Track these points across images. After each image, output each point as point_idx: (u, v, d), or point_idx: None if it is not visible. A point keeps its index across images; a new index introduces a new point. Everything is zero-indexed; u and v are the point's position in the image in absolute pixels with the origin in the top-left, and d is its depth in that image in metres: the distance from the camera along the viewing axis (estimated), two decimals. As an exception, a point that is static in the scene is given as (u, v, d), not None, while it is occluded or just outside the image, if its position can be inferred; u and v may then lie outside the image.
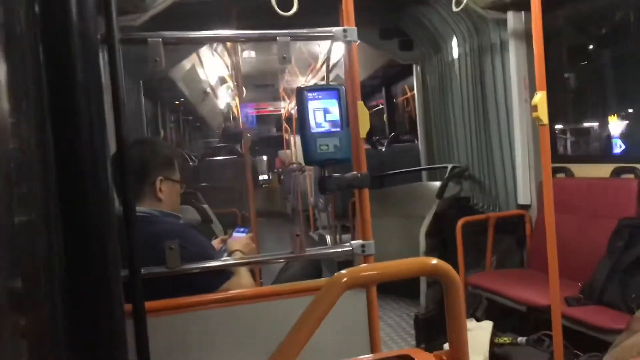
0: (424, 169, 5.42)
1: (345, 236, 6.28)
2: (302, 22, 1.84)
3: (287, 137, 10.77)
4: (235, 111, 11.87)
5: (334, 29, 1.84)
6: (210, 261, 1.82)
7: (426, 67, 5.34)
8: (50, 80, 0.70)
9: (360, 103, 1.93)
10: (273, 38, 1.79)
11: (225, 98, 10.69)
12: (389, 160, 6.52)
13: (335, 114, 1.83)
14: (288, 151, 11.86)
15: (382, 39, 5.27)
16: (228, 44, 6.45)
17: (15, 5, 1.13)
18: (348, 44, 1.86)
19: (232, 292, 1.82)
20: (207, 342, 1.69)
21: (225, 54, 8.28)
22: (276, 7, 1.90)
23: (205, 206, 4.36)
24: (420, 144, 5.69)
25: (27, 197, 1.19)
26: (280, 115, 12.82)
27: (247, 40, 7.92)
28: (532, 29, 2.60)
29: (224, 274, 1.90)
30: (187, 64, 7.43)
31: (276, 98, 12.48)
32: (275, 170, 12.45)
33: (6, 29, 1.17)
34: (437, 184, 4.70)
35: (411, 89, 9.42)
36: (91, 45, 0.69)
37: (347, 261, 1.85)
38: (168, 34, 1.71)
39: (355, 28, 1.84)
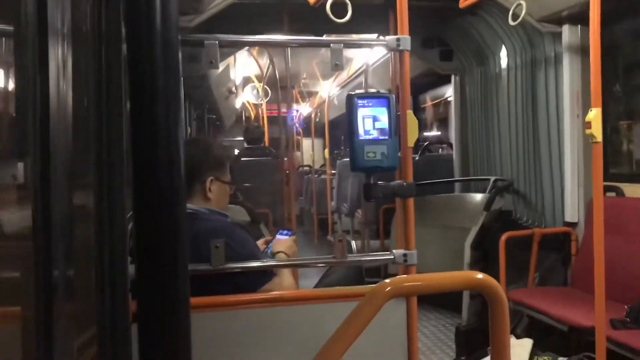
0: (466, 180, 5.34)
1: (374, 242, 6.22)
2: (348, 27, 1.85)
3: (297, 139, 10.85)
4: (258, 111, 11.90)
5: (387, 37, 1.84)
6: (253, 261, 1.85)
7: (466, 77, 5.29)
8: (131, 83, 0.73)
9: (410, 112, 1.92)
10: (327, 45, 1.80)
11: (249, 98, 10.72)
12: (422, 170, 6.46)
13: (384, 121, 1.83)
14: (298, 153, 11.85)
15: (423, 48, 5.26)
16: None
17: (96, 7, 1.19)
18: (401, 53, 1.86)
19: (274, 293, 1.84)
20: (247, 341, 1.71)
21: (261, 55, 8.33)
22: (330, 14, 1.91)
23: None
24: (455, 154, 5.64)
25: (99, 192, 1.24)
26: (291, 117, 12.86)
27: (300, 45, 8.00)
28: (590, 43, 2.55)
29: (266, 275, 1.92)
30: (223, 63, 7.53)
31: (293, 100, 12.38)
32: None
33: (86, 30, 1.23)
34: (478, 195, 4.65)
35: (432, 99, 9.33)
36: (172, 50, 0.72)
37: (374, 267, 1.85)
38: (224, 37, 1.75)
39: (408, 37, 1.84)
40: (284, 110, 6.36)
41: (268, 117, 9.80)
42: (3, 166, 1.12)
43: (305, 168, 11.13)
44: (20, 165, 1.13)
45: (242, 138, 7.83)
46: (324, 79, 10.61)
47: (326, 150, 9.34)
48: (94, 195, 1.22)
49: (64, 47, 1.08)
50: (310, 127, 12.41)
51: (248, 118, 13.19)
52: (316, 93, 11.95)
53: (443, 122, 9.15)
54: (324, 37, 1.81)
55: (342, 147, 13.21)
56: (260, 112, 11.42)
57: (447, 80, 7.08)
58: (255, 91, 9.88)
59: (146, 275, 0.78)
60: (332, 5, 2.20)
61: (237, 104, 12.17)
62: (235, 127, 13.21)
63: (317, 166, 11.06)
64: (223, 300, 1.71)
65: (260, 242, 2.25)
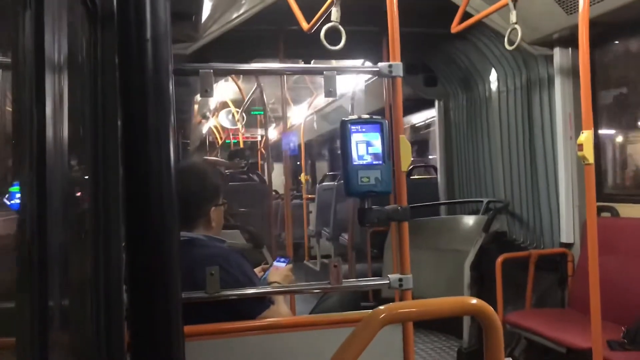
0: (459, 202, 5.35)
1: (359, 266, 6.18)
2: (340, 53, 1.88)
3: (261, 163, 10.80)
4: (229, 135, 11.85)
5: (380, 64, 1.87)
6: (249, 288, 1.85)
7: (451, 102, 5.35)
8: (123, 112, 0.75)
9: (403, 137, 1.94)
10: (320, 72, 1.83)
11: (224, 122, 10.72)
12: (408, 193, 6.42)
13: (377, 147, 1.85)
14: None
15: (407, 74, 5.33)
16: None
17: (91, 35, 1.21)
18: (393, 79, 1.89)
19: (270, 320, 1.83)
20: (244, 369, 1.70)
21: (246, 79, 8.36)
22: (325, 42, 1.94)
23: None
24: (440, 177, 5.69)
25: (91, 219, 1.24)
26: (256, 142, 12.75)
27: (294, 73, 8.04)
28: (580, 66, 2.58)
29: (264, 302, 1.92)
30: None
31: (260, 125, 12.31)
32: None
33: (82, 61, 1.25)
34: (471, 217, 4.67)
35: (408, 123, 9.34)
36: (164, 87, 0.74)
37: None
38: (218, 65, 1.78)
39: (400, 64, 1.87)
40: (255, 135, 6.41)
41: (244, 142, 9.82)
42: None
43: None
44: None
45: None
46: (295, 104, 10.65)
47: (302, 174, 9.29)
48: (89, 224, 1.22)
49: (60, 79, 1.09)
50: (277, 152, 12.30)
51: (212, 143, 13.15)
52: (285, 118, 11.88)
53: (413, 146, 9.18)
54: (318, 65, 1.83)
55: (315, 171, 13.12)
56: (229, 137, 11.43)
57: (416, 108, 7.18)
58: (230, 116, 9.90)
59: (139, 305, 0.78)
60: (326, 33, 2.24)
61: (205, 128, 12.20)
62: (196, 152, 13.14)
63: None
64: (219, 328, 1.71)
65: (257, 269, 2.25)
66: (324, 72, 1.80)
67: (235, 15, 3.54)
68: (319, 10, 2.59)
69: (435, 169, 6.57)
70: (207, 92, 1.71)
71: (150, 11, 0.70)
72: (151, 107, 0.72)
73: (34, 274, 0.99)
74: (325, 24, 2.31)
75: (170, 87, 0.76)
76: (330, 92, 1.84)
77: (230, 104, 9.66)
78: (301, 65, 5.05)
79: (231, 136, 11.68)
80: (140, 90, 0.71)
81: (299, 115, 10.23)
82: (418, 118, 8.61)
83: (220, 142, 12.47)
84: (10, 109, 1.18)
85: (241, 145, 10.62)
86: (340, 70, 1.84)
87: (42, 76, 1.00)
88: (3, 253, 1.12)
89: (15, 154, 1.10)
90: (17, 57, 1.06)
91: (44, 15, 1.00)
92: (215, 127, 11.84)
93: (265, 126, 6.83)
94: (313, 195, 8.53)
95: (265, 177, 7.49)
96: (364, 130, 1.85)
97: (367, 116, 1.90)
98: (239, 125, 9.61)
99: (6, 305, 1.10)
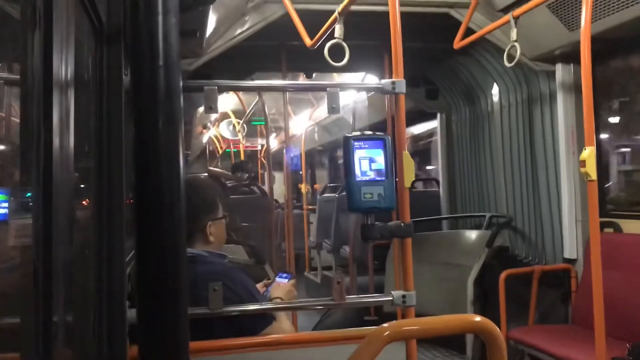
0: (462, 217, 5.34)
1: (360, 278, 6.15)
2: (342, 67, 1.89)
3: (261, 173, 10.81)
4: (230, 145, 11.90)
5: (383, 81, 1.88)
6: (252, 304, 1.85)
7: (453, 115, 5.36)
8: (137, 137, 0.76)
9: (406, 153, 1.94)
10: (323, 88, 1.84)
11: (225, 133, 10.76)
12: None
13: (380, 163, 1.86)
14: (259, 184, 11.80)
15: (409, 87, 5.33)
16: None
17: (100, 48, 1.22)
18: (396, 95, 1.90)
19: (274, 336, 1.83)
20: (246, 385, 1.70)
21: (241, 92, 8.41)
22: (328, 59, 1.96)
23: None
24: (442, 191, 5.67)
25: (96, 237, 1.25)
26: (257, 151, 12.84)
27: (296, 89, 8.05)
28: (582, 82, 2.59)
29: (266, 318, 1.92)
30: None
31: (260, 134, 12.40)
32: None
33: (88, 79, 1.26)
34: (473, 232, 4.66)
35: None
36: (175, 104, 0.75)
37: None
38: (223, 82, 1.79)
39: (403, 80, 1.88)
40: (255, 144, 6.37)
41: (245, 152, 9.84)
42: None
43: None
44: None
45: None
46: (295, 114, 10.68)
47: (303, 185, 9.27)
48: (93, 240, 1.23)
49: (67, 96, 1.10)
50: (278, 160, 12.31)
51: (212, 152, 13.17)
52: (287, 130, 11.90)
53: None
54: (321, 82, 1.84)
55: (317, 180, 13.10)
56: (229, 146, 11.46)
57: (417, 120, 7.15)
58: (231, 126, 9.94)
59: (147, 320, 0.79)
60: (329, 48, 2.26)
61: (205, 138, 12.24)
62: (196, 162, 13.15)
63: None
64: (222, 344, 1.70)
65: (259, 285, 2.25)
66: (328, 89, 1.82)
67: (239, 32, 3.57)
68: (321, 25, 2.61)
69: (437, 181, 6.56)
70: (211, 109, 1.72)
71: (162, 38, 0.71)
72: (163, 131, 0.73)
73: (38, 287, 1.00)
74: (328, 40, 2.33)
75: (180, 111, 0.77)
76: (333, 108, 1.84)
77: (231, 114, 9.69)
78: (305, 82, 5.07)
79: (232, 146, 11.69)
80: (153, 115, 0.72)
81: (300, 125, 10.23)
82: (419, 129, 8.60)
83: (220, 151, 12.49)
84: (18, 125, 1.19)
85: (242, 156, 10.58)
86: (344, 87, 1.85)
87: (50, 93, 1.02)
88: (8, 264, 1.12)
89: (23, 170, 1.11)
90: (26, 74, 1.07)
91: (52, 31, 1.01)
92: (216, 137, 11.85)
93: (266, 138, 6.84)
94: (314, 207, 8.50)
95: (266, 188, 7.52)
96: (366, 146, 1.86)
97: (370, 132, 1.91)
98: (240, 137, 9.64)
99: (9, 320, 1.10)
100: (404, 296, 1.81)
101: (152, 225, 0.74)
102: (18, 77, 1.16)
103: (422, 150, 9.25)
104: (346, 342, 1.68)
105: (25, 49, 1.01)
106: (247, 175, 7.46)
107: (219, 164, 13.07)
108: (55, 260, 1.01)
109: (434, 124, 7.27)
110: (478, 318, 1.10)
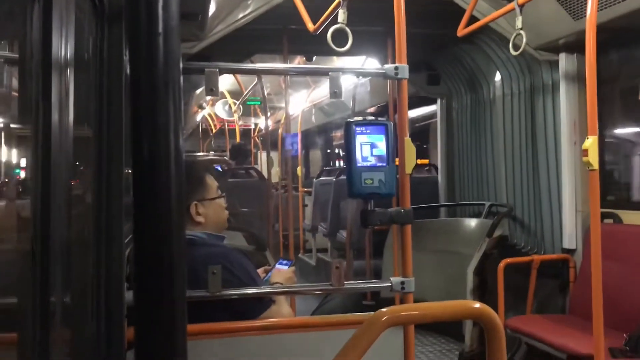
0: (461, 205, 5.33)
1: (357, 262, 6.10)
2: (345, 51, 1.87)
3: (254, 152, 10.74)
4: (225, 125, 11.88)
5: (386, 66, 1.87)
6: (250, 288, 1.85)
7: (454, 102, 5.33)
8: (134, 107, 0.74)
9: (408, 139, 1.94)
10: (325, 73, 1.83)
11: (220, 113, 10.71)
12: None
13: (382, 148, 1.85)
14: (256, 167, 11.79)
15: (411, 72, 5.29)
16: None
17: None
18: (399, 81, 1.88)
19: (272, 320, 1.83)
20: (244, 368, 1.70)
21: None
22: (332, 44, 1.94)
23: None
24: (440, 178, 5.65)
25: (95, 216, 1.24)
26: (250, 130, 12.81)
27: (298, 73, 7.98)
28: (586, 72, 2.57)
29: (265, 302, 1.92)
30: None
31: (254, 114, 12.38)
32: None
33: (88, 58, 1.24)
34: (473, 220, 4.65)
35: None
36: (175, 74, 0.73)
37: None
38: (224, 65, 1.77)
39: (406, 66, 1.86)
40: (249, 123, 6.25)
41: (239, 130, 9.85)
42: (4, 194, 1.12)
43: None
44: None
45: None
46: (292, 95, 10.62)
47: (299, 168, 9.26)
48: (92, 221, 1.22)
49: (66, 75, 1.09)
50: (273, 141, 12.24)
51: (206, 130, 13.12)
52: (281, 108, 11.84)
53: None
54: (323, 66, 1.82)
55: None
56: (224, 125, 11.43)
57: (417, 104, 7.07)
58: (227, 106, 9.90)
59: (144, 301, 0.78)
60: (333, 33, 2.24)
61: (199, 117, 12.20)
62: (189, 139, 13.07)
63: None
64: (221, 327, 1.70)
65: (260, 270, 2.24)
66: (330, 73, 1.80)
67: (241, 15, 3.54)
68: (324, 10, 2.59)
69: (435, 167, 6.52)
70: (212, 92, 1.71)
71: (162, 5, 0.70)
72: (162, 101, 0.71)
73: (36, 270, 1.00)
74: (331, 25, 2.31)
75: (181, 82, 0.75)
76: (335, 93, 1.83)
77: (227, 94, 9.65)
78: (306, 65, 5.05)
79: (227, 125, 11.64)
80: (152, 84, 0.70)
81: (297, 105, 10.16)
82: (417, 113, 8.53)
83: (214, 130, 12.44)
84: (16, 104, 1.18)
85: (237, 136, 10.51)
86: (346, 72, 1.83)
87: (49, 72, 1.01)
88: (7, 248, 1.12)
89: (21, 149, 1.10)
90: (24, 52, 1.06)
91: (52, 10, 1.00)
92: (210, 115, 11.79)
93: (265, 120, 6.79)
94: (309, 189, 8.46)
95: (259, 169, 7.45)
96: (368, 131, 1.84)
97: (371, 117, 1.89)
98: (236, 117, 9.61)
99: (8, 301, 1.10)
100: (402, 282, 1.81)
101: (150, 199, 0.72)
102: (17, 55, 1.15)
103: (417, 133, 9.18)
104: (345, 327, 1.68)
105: (24, 27, 1.00)
106: (248, 160, 7.39)
107: (212, 142, 13.06)
108: (53, 239, 1.01)
109: (430, 109, 7.22)
110: (477, 304, 1.09)
